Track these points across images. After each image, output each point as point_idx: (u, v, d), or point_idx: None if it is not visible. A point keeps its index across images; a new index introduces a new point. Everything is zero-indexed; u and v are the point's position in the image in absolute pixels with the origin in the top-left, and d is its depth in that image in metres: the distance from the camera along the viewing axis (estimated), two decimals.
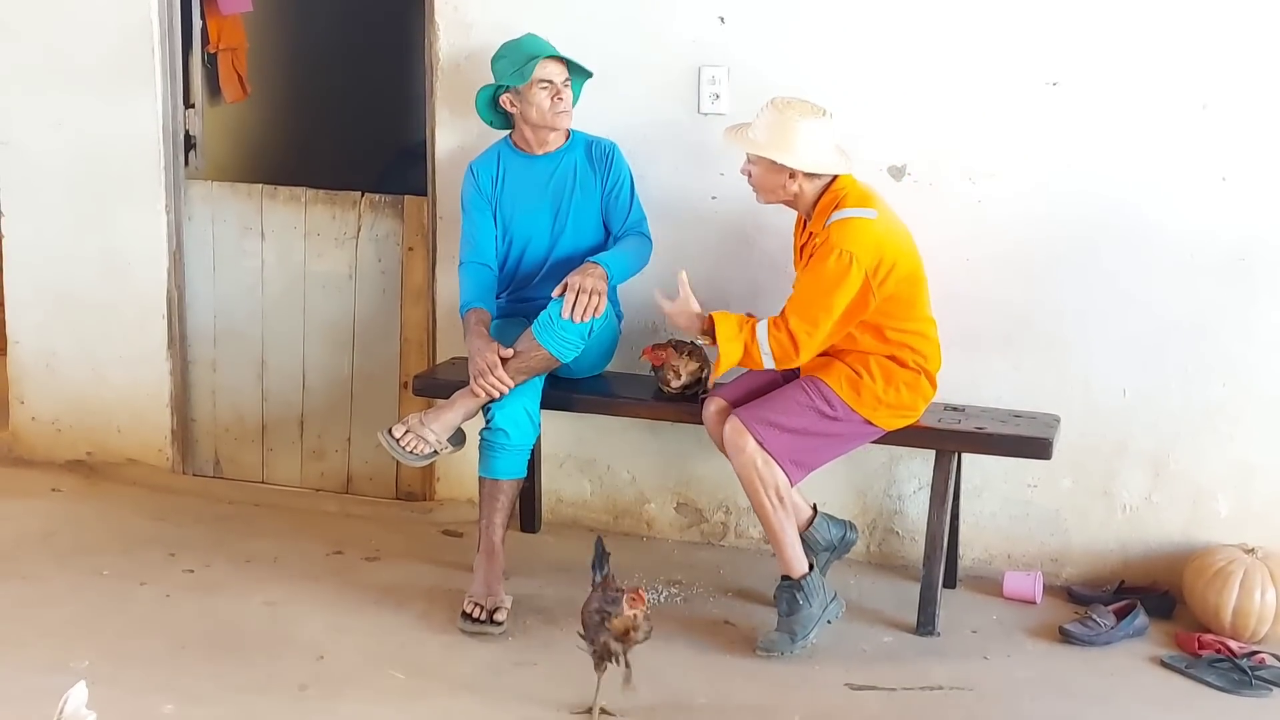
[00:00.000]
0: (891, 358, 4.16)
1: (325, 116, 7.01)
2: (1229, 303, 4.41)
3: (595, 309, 4.29)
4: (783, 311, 4.08)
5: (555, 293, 4.34)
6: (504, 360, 4.31)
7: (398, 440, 4.36)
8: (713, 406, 4.33)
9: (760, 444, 4.10)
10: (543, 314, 4.33)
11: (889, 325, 4.13)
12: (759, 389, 4.29)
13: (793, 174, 4.09)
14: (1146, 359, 4.50)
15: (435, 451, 4.39)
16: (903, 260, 4.08)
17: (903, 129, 4.52)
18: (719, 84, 4.70)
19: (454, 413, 4.39)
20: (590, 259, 4.41)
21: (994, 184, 4.53)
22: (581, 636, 3.71)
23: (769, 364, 4.09)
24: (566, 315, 4.28)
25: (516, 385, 4.36)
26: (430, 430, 4.36)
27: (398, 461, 4.90)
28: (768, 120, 4.10)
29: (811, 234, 4.15)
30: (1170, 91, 4.36)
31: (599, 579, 3.80)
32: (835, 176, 4.13)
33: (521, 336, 4.36)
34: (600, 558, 3.87)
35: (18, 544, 4.81)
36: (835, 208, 4.07)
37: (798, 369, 4.29)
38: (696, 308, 4.20)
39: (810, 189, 4.13)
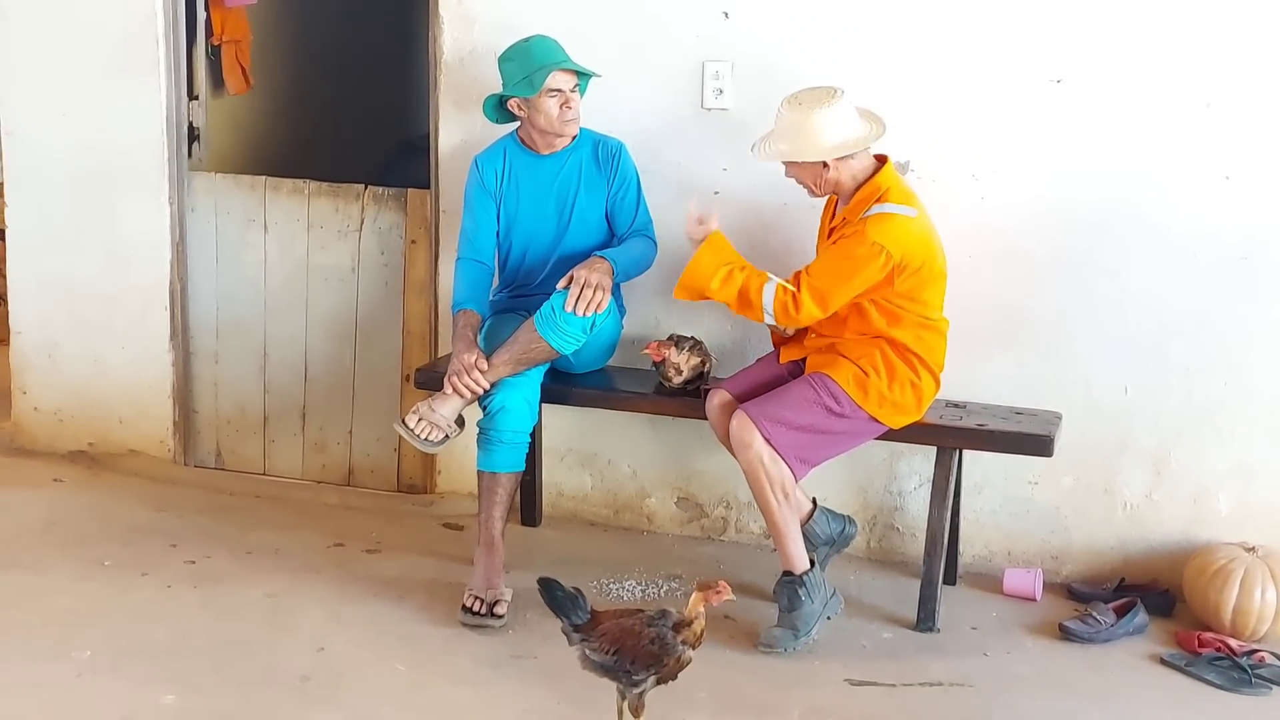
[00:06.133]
0: (896, 347, 4.15)
1: (329, 109, 7.01)
2: (1231, 301, 4.41)
3: (599, 304, 4.29)
4: (797, 277, 4.11)
5: (560, 284, 4.33)
6: (482, 371, 4.32)
7: (412, 429, 4.37)
8: (716, 399, 4.34)
9: (767, 440, 4.10)
10: (545, 306, 4.33)
11: (905, 308, 4.14)
12: (764, 384, 4.30)
13: (826, 163, 4.12)
14: (1148, 357, 4.50)
15: (447, 436, 4.40)
16: (930, 262, 4.12)
17: (906, 125, 4.51)
18: (723, 79, 4.70)
19: (455, 400, 4.39)
20: (597, 254, 4.41)
21: (997, 181, 4.53)
22: (627, 682, 3.43)
23: (768, 320, 4.15)
24: (570, 308, 4.28)
25: (515, 375, 4.36)
26: (440, 415, 4.36)
27: (401, 449, 4.89)
28: (786, 123, 4.14)
29: (845, 219, 4.15)
30: (1174, 89, 4.36)
31: (584, 619, 3.47)
32: (878, 169, 4.16)
33: (522, 327, 4.36)
34: (569, 600, 3.47)
35: (19, 534, 4.81)
36: (876, 200, 4.10)
37: (803, 364, 4.30)
38: (714, 225, 4.29)
39: (847, 172, 4.15)
